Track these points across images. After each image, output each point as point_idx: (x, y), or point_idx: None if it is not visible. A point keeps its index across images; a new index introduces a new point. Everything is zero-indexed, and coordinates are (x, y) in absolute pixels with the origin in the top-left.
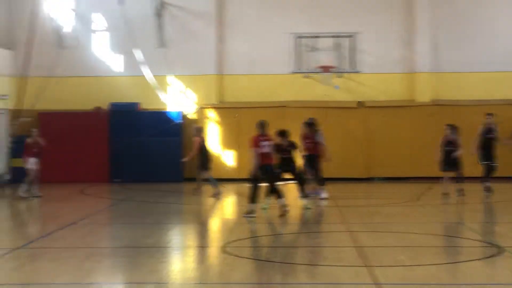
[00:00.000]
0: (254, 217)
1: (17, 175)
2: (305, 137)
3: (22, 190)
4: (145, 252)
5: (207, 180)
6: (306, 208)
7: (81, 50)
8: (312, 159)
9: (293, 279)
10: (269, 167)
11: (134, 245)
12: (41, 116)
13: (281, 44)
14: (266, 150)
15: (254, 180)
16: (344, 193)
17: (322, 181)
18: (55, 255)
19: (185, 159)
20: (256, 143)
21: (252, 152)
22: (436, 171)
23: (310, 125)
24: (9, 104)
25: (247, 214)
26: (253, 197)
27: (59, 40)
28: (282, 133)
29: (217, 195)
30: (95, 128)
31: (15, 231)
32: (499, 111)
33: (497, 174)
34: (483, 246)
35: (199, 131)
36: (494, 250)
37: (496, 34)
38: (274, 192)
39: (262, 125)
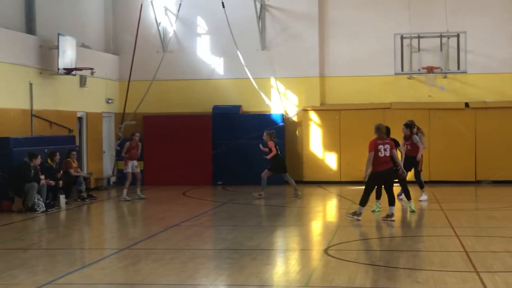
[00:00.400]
0: (359, 219)
1: (123, 178)
2: (404, 139)
3: (123, 194)
4: (248, 254)
5: (287, 182)
6: (410, 211)
7: (184, 53)
8: (410, 161)
9: (398, 283)
10: (386, 172)
11: (237, 247)
12: (145, 119)
13: (384, 45)
14: (383, 154)
15: (368, 183)
16: (450, 195)
17: (421, 183)
18: (159, 256)
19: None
20: (373, 147)
21: (369, 156)
22: None
23: (408, 126)
24: (115, 108)
25: (352, 214)
26: (363, 200)
27: (162, 44)
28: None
29: (297, 194)
30: (199, 131)
31: (121, 232)
32: None
33: None
34: None
35: (271, 135)
36: None
37: None
38: (391, 198)
39: (378, 129)
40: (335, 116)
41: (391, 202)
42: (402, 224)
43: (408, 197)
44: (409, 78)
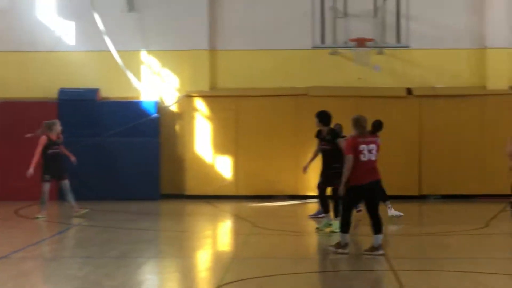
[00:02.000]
0: (347, 253)
1: None
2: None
3: None
4: None
5: None
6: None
7: (17, 14)
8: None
9: None
10: (371, 186)
11: None
12: None
13: (299, 8)
14: (367, 158)
15: (345, 202)
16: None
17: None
18: None
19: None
20: (352, 148)
21: (347, 161)
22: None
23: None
24: None
25: (336, 247)
26: (343, 225)
27: None
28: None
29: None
30: (39, 124)
31: None
32: None
33: None
34: None
35: (49, 126)
36: None
37: None
38: (376, 222)
39: (357, 122)
40: (230, 105)
41: (378, 229)
42: (321, 255)
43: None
44: (332, 54)
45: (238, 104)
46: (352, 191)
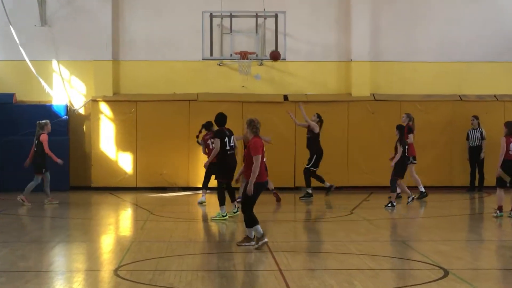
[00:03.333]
0: (260, 244)
1: None
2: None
3: None
4: (20, 278)
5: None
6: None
7: None
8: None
9: None
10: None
11: (6, 269)
12: None
13: (191, 24)
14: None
15: (250, 197)
16: (265, 204)
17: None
18: None
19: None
20: (261, 148)
21: (255, 161)
22: (375, 179)
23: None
24: None
25: (242, 242)
26: (248, 221)
27: None
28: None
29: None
30: None
31: None
32: (449, 108)
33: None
34: (425, 268)
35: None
36: (439, 272)
37: (449, 18)
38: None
39: (250, 124)
40: (131, 108)
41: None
42: (208, 239)
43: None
44: (219, 65)
45: (138, 108)
46: (257, 188)
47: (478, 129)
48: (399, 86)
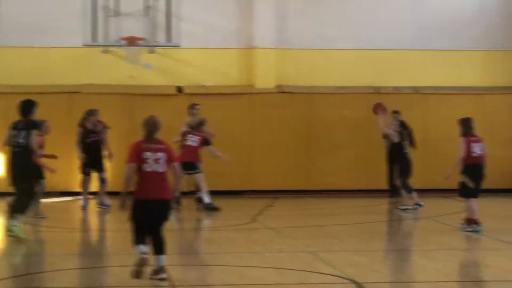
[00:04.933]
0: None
1: None
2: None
3: None
4: None
5: None
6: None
7: None
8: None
9: None
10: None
11: None
12: None
13: (70, 5)
14: (152, 169)
15: (132, 221)
16: None
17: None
18: None
19: None
20: (135, 155)
21: (127, 171)
22: (281, 182)
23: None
24: None
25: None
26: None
27: None
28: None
29: None
30: None
31: None
32: (363, 101)
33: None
34: (337, 282)
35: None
36: (351, 287)
37: (366, 2)
38: (158, 244)
39: (146, 124)
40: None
41: (161, 249)
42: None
43: None
44: (104, 52)
45: (8, 101)
46: (136, 206)
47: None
48: (309, 76)
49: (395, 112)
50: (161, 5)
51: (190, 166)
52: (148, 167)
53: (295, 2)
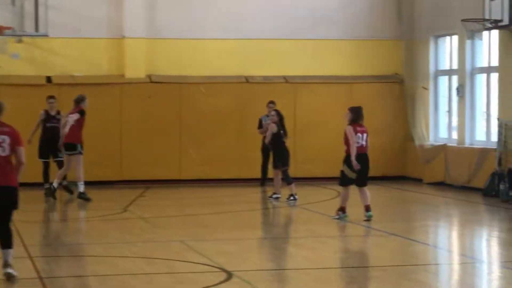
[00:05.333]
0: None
1: None
2: None
3: None
4: None
5: None
6: None
7: None
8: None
9: None
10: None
11: None
12: None
13: None
14: None
15: None
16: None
17: None
18: None
19: None
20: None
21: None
22: (152, 172)
23: None
24: None
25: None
26: None
27: None
28: None
29: None
30: None
31: None
32: (235, 91)
33: None
34: (207, 271)
35: None
36: (221, 275)
37: None
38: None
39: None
40: None
41: (9, 243)
42: None
43: None
44: None
45: None
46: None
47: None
48: (179, 66)
49: (271, 102)
50: None
51: (69, 147)
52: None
53: None
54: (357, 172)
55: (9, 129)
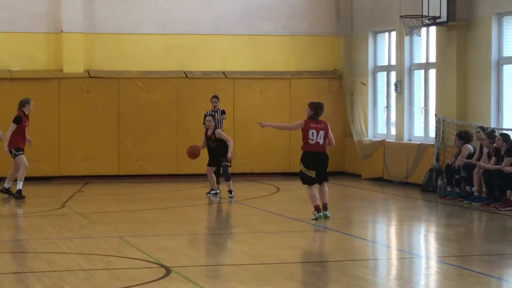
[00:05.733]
0: None
1: None
2: None
3: None
4: None
5: None
6: None
7: None
8: None
9: None
10: None
11: None
12: None
13: None
14: None
15: None
16: None
17: None
18: None
19: None
20: None
21: None
22: (91, 167)
23: None
24: None
25: None
26: None
27: None
28: None
29: None
30: None
31: None
32: (174, 87)
33: None
34: (146, 267)
35: None
36: (160, 271)
37: None
38: None
39: None
40: None
41: None
42: None
43: None
44: None
45: None
46: None
47: (218, 111)
48: (117, 61)
49: (215, 96)
50: None
51: (10, 152)
52: None
53: None
54: (315, 170)
55: None
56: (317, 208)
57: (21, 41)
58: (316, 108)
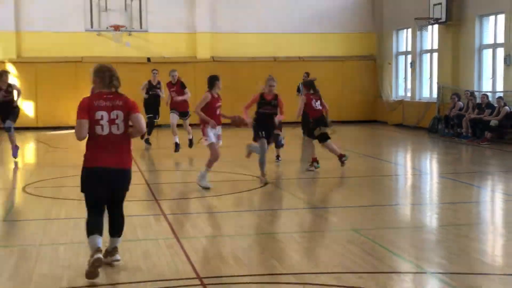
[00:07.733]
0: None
1: None
2: None
3: None
4: None
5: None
6: None
7: None
8: None
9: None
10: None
11: None
12: None
13: (74, 3)
14: (105, 131)
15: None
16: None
17: None
18: None
19: None
20: (86, 110)
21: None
22: None
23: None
24: None
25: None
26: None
27: None
28: None
29: None
30: None
31: None
32: (269, 67)
33: None
34: None
35: None
36: None
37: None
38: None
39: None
40: (31, 68)
41: (115, 231)
42: None
43: None
44: (98, 35)
45: (38, 68)
46: (85, 175)
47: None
48: (232, 51)
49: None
50: (135, 3)
51: None
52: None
53: None
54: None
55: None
56: (316, 159)
57: (167, 38)
58: (309, 85)
